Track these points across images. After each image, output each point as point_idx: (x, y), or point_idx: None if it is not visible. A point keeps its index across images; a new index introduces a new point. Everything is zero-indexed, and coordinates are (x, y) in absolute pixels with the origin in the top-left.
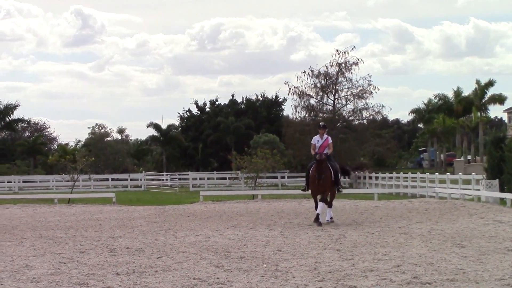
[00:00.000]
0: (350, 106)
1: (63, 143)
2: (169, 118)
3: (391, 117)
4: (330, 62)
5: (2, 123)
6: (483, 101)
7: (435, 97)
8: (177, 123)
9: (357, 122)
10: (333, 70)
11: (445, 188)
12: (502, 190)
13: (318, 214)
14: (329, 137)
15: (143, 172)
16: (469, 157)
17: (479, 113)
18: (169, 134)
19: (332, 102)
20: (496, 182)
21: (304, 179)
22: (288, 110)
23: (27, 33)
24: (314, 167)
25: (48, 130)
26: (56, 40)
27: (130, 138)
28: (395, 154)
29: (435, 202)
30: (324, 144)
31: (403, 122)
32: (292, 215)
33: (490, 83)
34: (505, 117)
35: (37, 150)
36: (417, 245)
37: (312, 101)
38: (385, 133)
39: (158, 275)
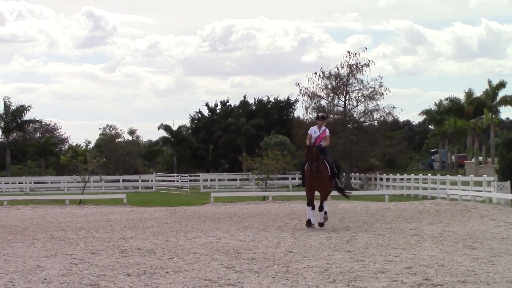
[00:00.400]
0: (361, 108)
1: (74, 144)
2: (180, 119)
3: (402, 118)
4: (341, 64)
5: (14, 124)
6: (495, 102)
7: (446, 99)
8: (188, 124)
9: (367, 124)
10: (344, 72)
11: (456, 189)
12: None
13: (309, 220)
14: (327, 129)
15: (154, 173)
16: (480, 158)
17: (490, 115)
18: (180, 135)
19: (343, 103)
20: (507, 184)
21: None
22: (300, 111)
23: (39, 35)
24: (308, 163)
25: (59, 131)
26: (67, 42)
27: (141, 139)
28: (406, 156)
29: (446, 204)
30: (321, 136)
31: (414, 123)
32: (303, 217)
33: (502, 84)
34: None
35: (48, 151)
36: (428, 246)
37: (323, 102)
38: (396, 134)
39: (169, 276)
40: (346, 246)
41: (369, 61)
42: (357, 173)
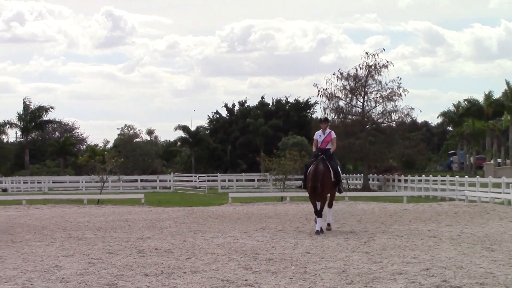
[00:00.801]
0: (379, 109)
1: (93, 144)
2: (198, 120)
3: (420, 119)
4: (359, 65)
5: (33, 124)
6: None
7: (464, 101)
8: (206, 124)
9: (386, 125)
10: (362, 73)
11: (475, 191)
12: None
13: (317, 231)
14: (332, 132)
15: (172, 173)
16: (499, 160)
17: (509, 116)
18: (197, 135)
19: (361, 104)
20: None
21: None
22: (319, 113)
23: (58, 35)
24: (313, 166)
25: (77, 131)
26: (87, 42)
27: (159, 139)
28: (424, 157)
29: (464, 206)
30: (327, 139)
31: (432, 124)
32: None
33: None
34: None
35: (67, 151)
36: (446, 248)
37: (341, 103)
38: (414, 135)
39: (186, 277)
40: (364, 247)
41: (388, 62)
42: (375, 174)
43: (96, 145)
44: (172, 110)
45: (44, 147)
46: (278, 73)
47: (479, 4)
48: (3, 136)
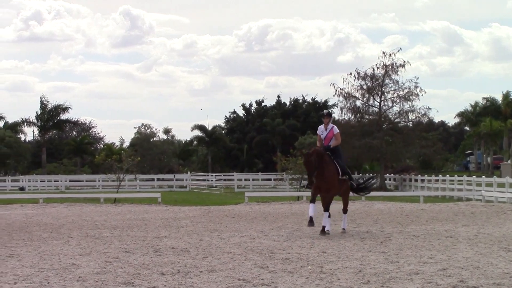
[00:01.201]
0: (396, 108)
1: (109, 142)
2: (215, 119)
3: (437, 119)
4: (376, 64)
5: (51, 122)
6: None
7: (483, 100)
8: (222, 124)
9: (403, 124)
10: (379, 72)
11: (492, 191)
12: None
13: (324, 227)
14: (335, 127)
15: (188, 172)
16: None
17: None
18: (214, 135)
19: (378, 104)
20: None
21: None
22: (336, 113)
23: (76, 34)
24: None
25: (94, 129)
26: (104, 41)
27: (176, 139)
28: (441, 157)
29: (481, 206)
30: (329, 135)
31: (449, 124)
32: (337, 217)
33: None
34: None
35: (84, 150)
36: (463, 248)
37: (358, 103)
38: (431, 135)
39: (203, 276)
40: (381, 247)
41: (405, 61)
42: (392, 174)
43: (112, 144)
44: (189, 109)
45: (61, 146)
46: (295, 72)
47: (497, 3)
48: (21, 135)
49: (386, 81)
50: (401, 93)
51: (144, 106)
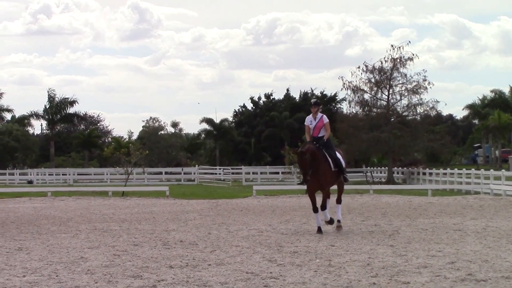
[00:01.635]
0: (404, 102)
1: (117, 136)
2: (223, 112)
3: (445, 112)
4: (384, 57)
5: (58, 116)
6: None
7: (491, 92)
8: (231, 118)
9: (411, 118)
10: (387, 66)
11: (500, 184)
12: None
13: (319, 228)
14: (324, 116)
15: (196, 166)
16: None
17: None
18: (222, 128)
19: (386, 97)
20: None
21: None
22: (344, 106)
23: (84, 27)
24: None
25: (102, 123)
26: (113, 34)
27: (184, 132)
28: (449, 150)
29: (490, 199)
30: (319, 125)
31: (458, 118)
32: (345, 210)
33: None
34: None
35: (92, 143)
36: (471, 242)
37: (366, 96)
38: (439, 128)
39: (211, 269)
40: (389, 241)
41: (413, 55)
42: (400, 167)
43: (121, 137)
44: (197, 103)
45: (69, 139)
46: (303, 66)
47: None
48: (29, 128)
49: (394, 74)
50: (409, 86)
51: (152, 99)
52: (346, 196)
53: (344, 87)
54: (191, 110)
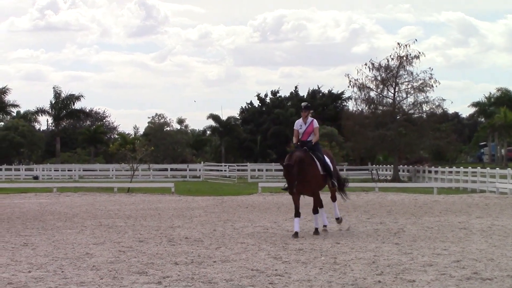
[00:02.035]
0: (410, 100)
1: (123, 132)
2: (229, 109)
3: (451, 110)
4: (391, 55)
5: (64, 112)
6: None
7: (497, 90)
8: (237, 115)
9: (417, 116)
10: (394, 63)
11: (506, 183)
12: None
13: (296, 232)
14: (315, 121)
15: (202, 162)
16: None
17: None
18: (228, 125)
19: (392, 95)
20: None
21: None
22: (350, 104)
23: (91, 23)
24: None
25: (108, 119)
26: (119, 31)
27: (190, 129)
28: (455, 148)
29: (495, 198)
30: (309, 130)
31: (463, 116)
32: (350, 208)
33: None
34: None
35: (98, 139)
36: (477, 240)
37: (372, 94)
38: (445, 126)
39: (216, 266)
40: (394, 239)
41: (419, 52)
42: (406, 165)
43: (129, 135)
44: (203, 99)
45: (75, 135)
46: (309, 63)
47: None
48: (35, 124)
49: (401, 72)
50: (415, 84)
51: (158, 96)
52: (351, 194)
53: (350, 84)
54: (197, 107)
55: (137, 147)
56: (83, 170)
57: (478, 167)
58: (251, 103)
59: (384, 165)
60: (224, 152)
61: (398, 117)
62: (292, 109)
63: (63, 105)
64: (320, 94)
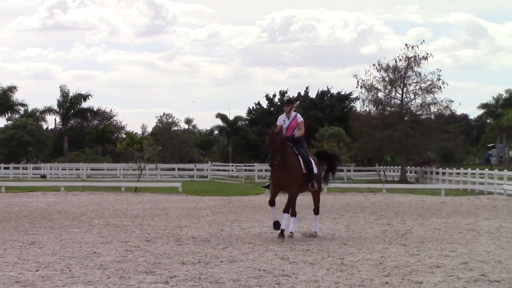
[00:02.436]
0: (418, 101)
1: (131, 131)
2: (237, 109)
3: (459, 112)
4: (399, 56)
5: (72, 111)
6: None
7: (506, 92)
8: (244, 115)
9: (424, 117)
10: (402, 64)
11: None
12: None
13: (282, 230)
14: (298, 115)
15: (209, 162)
16: None
17: None
18: (235, 125)
19: (400, 96)
20: None
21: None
22: (357, 105)
23: (100, 23)
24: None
25: (116, 118)
26: (128, 30)
27: (197, 128)
28: (462, 150)
29: (503, 199)
30: (292, 125)
31: (472, 117)
32: (357, 209)
33: None
34: None
35: (106, 138)
36: (484, 242)
37: (380, 94)
38: (453, 128)
39: (223, 266)
40: (401, 240)
41: (427, 54)
42: (413, 167)
43: (136, 134)
44: (210, 99)
45: (83, 135)
46: (318, 63)
47: None
48: (43, 123)
49: (409, 73)
50: (423, 85)
51: (166, 95)
52: (359, 195)
53: (358, 85)
54: (205, 107)
55: (144, 146)
56: (91, 169)
57: (486, 169)
58: (258, 103)
59: (392, 166)
60: (232, 152)
61: (406, 118)
62: (300, 110)
63: (70, 104)
64: (328, 95)
